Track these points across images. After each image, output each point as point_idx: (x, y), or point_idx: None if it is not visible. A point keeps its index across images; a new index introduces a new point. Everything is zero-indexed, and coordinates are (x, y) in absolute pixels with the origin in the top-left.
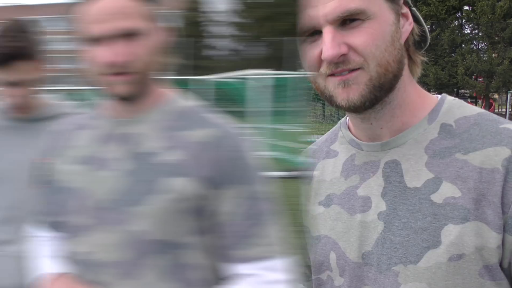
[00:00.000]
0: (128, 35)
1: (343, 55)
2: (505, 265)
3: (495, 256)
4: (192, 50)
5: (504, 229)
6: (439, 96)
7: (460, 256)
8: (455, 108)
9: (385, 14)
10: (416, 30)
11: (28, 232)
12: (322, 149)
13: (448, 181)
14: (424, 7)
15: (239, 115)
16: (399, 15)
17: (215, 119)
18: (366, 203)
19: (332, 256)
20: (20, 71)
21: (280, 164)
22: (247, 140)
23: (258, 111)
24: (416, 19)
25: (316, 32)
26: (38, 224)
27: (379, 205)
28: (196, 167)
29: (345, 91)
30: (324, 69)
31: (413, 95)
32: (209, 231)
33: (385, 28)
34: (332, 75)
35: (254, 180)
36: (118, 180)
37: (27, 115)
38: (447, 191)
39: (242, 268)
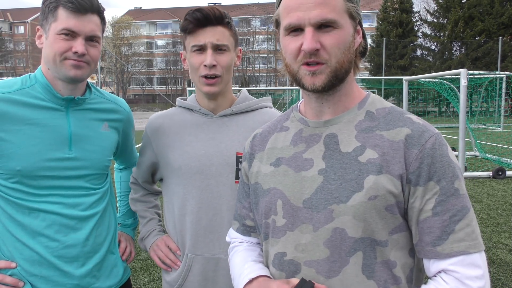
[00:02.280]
0: (326, 25)
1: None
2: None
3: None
4: (391, 50)
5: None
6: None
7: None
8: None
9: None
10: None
11: (229, 235)
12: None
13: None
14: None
15: (437, 115)
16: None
17: (411, 119)
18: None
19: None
20: (223, 37)
21: (481, 163)
22: (443, 139)
23: (455, 111)
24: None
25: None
26: (237, 226)
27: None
28: (393, 165)
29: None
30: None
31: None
32: (409, 228)
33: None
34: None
35: (451, 176)
36: (319, 180)
37: (219, 110)
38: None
39: (443, 264)
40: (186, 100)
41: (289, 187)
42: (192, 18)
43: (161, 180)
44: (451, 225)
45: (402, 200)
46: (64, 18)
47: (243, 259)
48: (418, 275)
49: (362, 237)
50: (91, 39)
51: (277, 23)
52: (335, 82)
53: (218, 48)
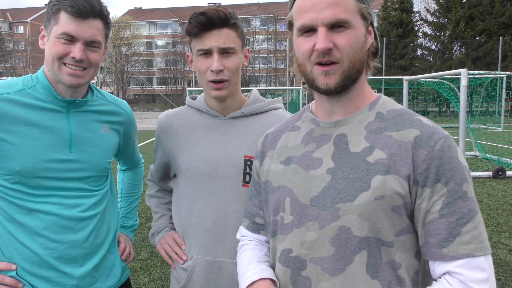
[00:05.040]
0: (339, 25)
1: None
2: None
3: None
4: (392, 50)
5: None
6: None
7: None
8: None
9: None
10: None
11: (239, 233)
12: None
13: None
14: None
15: (437, 115)
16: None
17: (421, 121)
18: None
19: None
20: (229, 39)
21: (481, 163)
22: (452, 141)
23: (455, 111)
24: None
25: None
26: (247, 224)
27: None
28: (401, 166)
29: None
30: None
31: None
32: (412, 229)
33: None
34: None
35: (460, 179)
36: (327, 178)
37: (229, 112)
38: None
39: (448, 266)
40: (195, 100)
41: (297, 185)
42: (196, 22)
43: (174, 176)
44: (458, 227)
45: (409, 201)
46: (64, 22)
47: (248, 259)
48: (424, 278)
49: (368, 236)
50: (91, 44)
51: (290, 25)
52: (347, 83)
53: (224, 52)
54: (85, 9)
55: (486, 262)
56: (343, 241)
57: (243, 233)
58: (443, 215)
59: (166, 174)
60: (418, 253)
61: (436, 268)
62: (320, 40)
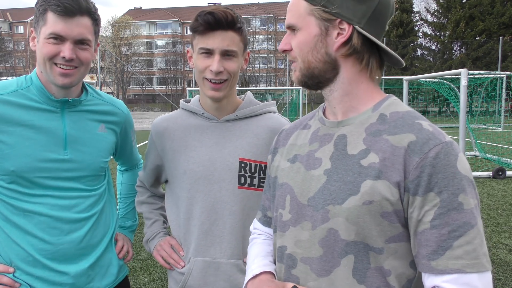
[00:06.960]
0: (292, 28)
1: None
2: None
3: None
4: (393, 50)
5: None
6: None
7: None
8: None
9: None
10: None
11: (253, 225)
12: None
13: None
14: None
15: (437, 114)
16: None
17: (421, 125)
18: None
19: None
20: (232, 43)
21: (481, 163)
22: (453, 149)
23: (455, 111)
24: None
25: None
26: (260, 217)
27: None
28: (391, 171)
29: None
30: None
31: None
32: (405, 238)
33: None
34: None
35: (455, 189)
36: (323, 179)
37: (223, 114)
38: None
39: (436, 280)
40: (189, 103)
41: (298, 183)
42: (203, 20)
43: (166, 181)
44: (449, 240)
45: (401, 208)
46: (52, 22)
47: (256, 253)
48: (419, 287)
49: (355, 240)
50: (81, 42)
51: None
52: (308, 81)
53: (226, 54)
54: (71, 7)
55: (479, 280)
56: (331, 243)
57: (255, 225)
58: (434, 226)
59: (157, 180)
60: (414, 262)
61: (426, 280)
62: (281, 42)
